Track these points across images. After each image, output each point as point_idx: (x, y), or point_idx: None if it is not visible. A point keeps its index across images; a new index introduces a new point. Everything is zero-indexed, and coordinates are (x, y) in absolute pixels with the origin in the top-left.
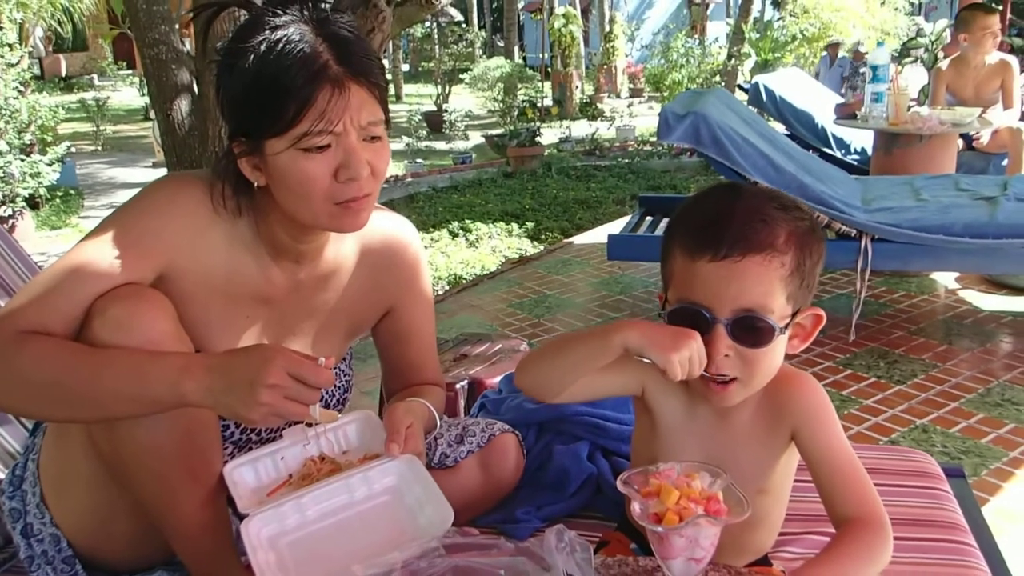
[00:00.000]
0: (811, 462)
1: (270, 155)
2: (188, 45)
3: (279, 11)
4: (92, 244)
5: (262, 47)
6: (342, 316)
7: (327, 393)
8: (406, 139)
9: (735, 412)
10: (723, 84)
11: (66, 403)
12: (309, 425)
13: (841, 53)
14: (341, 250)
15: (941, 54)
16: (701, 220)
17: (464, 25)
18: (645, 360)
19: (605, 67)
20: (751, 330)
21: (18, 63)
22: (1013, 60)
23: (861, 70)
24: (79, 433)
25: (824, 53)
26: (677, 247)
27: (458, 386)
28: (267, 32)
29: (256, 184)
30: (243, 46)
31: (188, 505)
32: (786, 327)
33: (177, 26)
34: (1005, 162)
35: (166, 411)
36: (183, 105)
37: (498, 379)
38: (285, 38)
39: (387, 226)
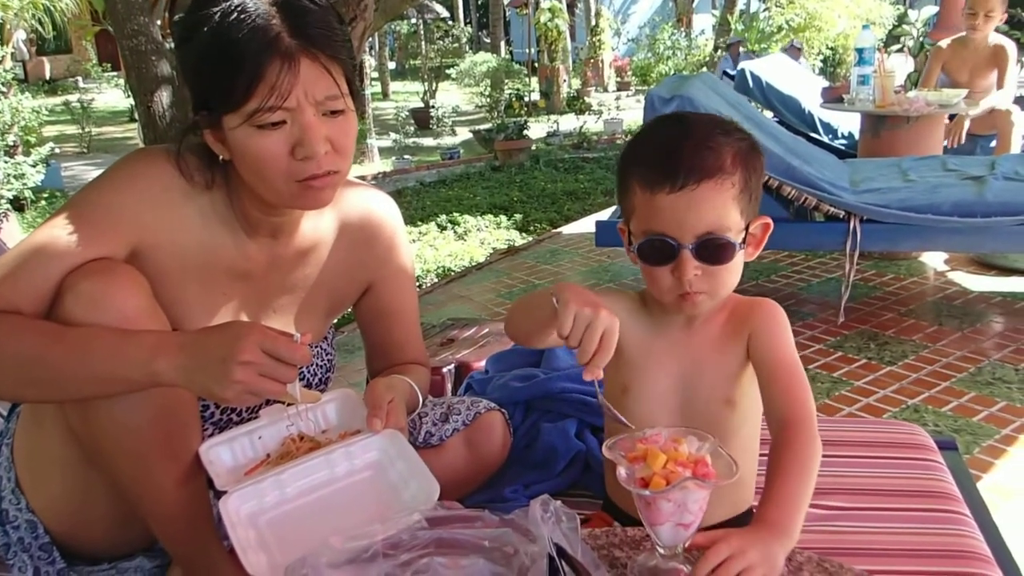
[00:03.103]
0: (756, 365)
1: (228, 130)
2: (169, 44)
3: None
4: (61, 220)
5: (216, 17)
6: (322, 292)
7: (308, 372)
8: (393, 136)
9: (701, 329)
10: None
11: (36, 383)
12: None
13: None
14: (319, 225)
15: (928, 41)
16: (655, 154)
17: (450, 21)
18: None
19: (592, 61)
20: (715, 249)
21: None
22: (1010, 44)
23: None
24: (54, 415)
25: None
26: (635, 181)
27: (445, 370)
28: (223, 2)
29: (221, 158)
30: (199, 16)
31: (166, 485)
32: (743, 241)
33: (159, 22)
34: (993, 144)
35: (139, 390)
36: (164, 97)
37: (485, 361)
38: (240, 7)
39: (366, 201)
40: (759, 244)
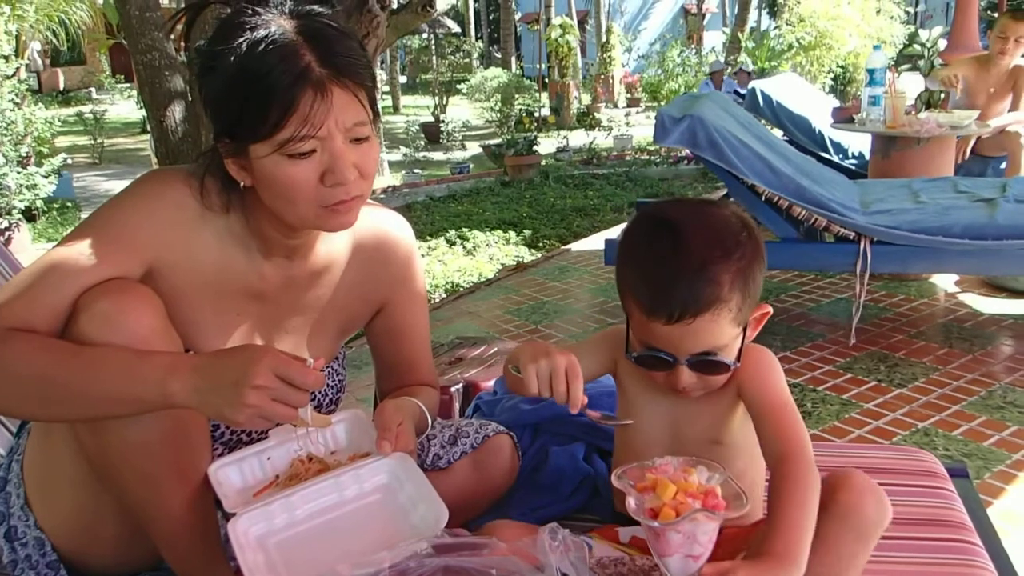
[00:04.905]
0: (749, 408)
1: (255, 159)
2: (183, 58)
3: (260, 7)
4: (77, 239)
5: (243, 47)
6: (334, 313)
7: (319, 393)
8: (404, 150)
9: None
10: None
11: (49, 402)
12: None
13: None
14: (334, 245)
15: (938, 61)
16: (648, 285)
17: (461, 36)
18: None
19: (602, 77)
20: (709, 365)
21: (14, 75)
22: None
23: None
24: (64, 432)
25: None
26: (630, 299)
27: (453, 389)
28: (248, 31)
29: (242, 184)
30: (224, 46)
31: (175, 505)
32: (738, 357)
33: (172, 37)
34: (1004, 165)
35: (152, 411)
36: (177, 112)
37: (493, 382)
38: (267, 38)
39: (380, 221)
40: (758, 325)
